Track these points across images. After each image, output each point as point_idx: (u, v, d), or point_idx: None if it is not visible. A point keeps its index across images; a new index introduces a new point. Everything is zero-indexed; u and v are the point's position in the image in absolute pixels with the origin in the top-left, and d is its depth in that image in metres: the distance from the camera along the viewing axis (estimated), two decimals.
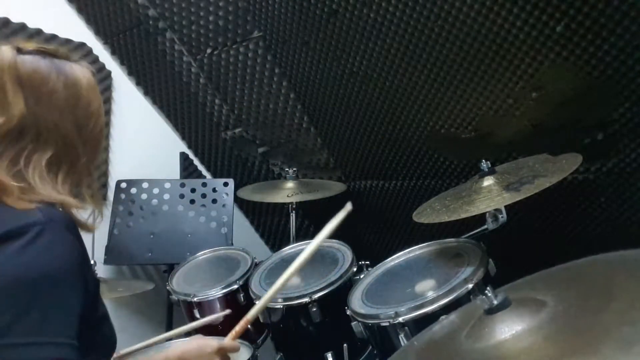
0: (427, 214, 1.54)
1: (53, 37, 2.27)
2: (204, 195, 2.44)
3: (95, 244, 2.10)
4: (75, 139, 0.96)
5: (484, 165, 1.53)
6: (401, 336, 1.32)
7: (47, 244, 0.84)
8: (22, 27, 2.17)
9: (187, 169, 2.81)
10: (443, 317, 1.10)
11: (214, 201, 2.44)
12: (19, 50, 0.94)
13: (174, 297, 1.94)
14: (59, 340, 0.80)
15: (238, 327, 1.11)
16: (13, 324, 0.77)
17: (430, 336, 1.00)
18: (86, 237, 0.94)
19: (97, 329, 0.96)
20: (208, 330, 1.86)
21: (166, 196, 2.41)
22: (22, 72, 0.91)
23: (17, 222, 0.84)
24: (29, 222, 0.84)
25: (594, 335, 0.69)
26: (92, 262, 1.37)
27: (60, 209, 0.92)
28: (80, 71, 0.99)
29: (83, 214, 0.97)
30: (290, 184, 2.37)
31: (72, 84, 0.96)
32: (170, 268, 2.28)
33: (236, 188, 2.46)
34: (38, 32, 2.21)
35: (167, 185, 2.43)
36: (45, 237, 0.83)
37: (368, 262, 1.72)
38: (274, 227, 3.01)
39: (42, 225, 0.84)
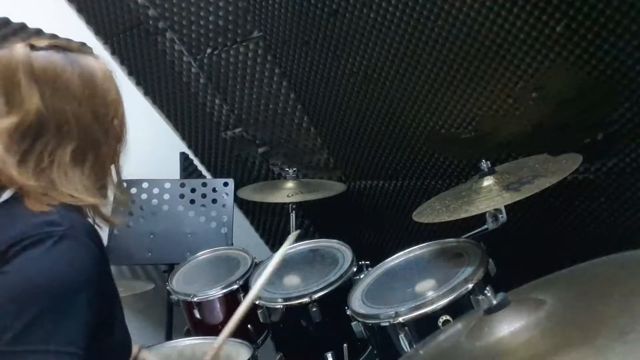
0: (427, 214, 1.54)
1: (53, 37, 2.27)
2: (204, 195, 2.44)
3: None
4: (96, 129, 0.96)
5: (484, 165, 1.53)
6: (401, 336, 1.31)
7: (67, 252, 0.83)
8: (22, 27, 2.17)
9: (187, 169, 2.80)
10: (444, 316, 1.10)
11: (214, 201, 2.43)
12: (32, 47, 0.94)
13: (174, 297, 1.94)
14: (68, 349, 0.79)
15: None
16: (25, 331, 0.77)
17: (434, 343, 1.00)
18: None
19: (111, 335, 0.95)
20: (209, 330, 1.86)
21: (166, 196, 2.41)
22: (36, 67, 0.92)
23: (37, 228, 0.83)
24: (49, 228, 0.83)
25: (590, 327, 0.70)
26: None
27: (79, 213, 0.92)
28: (94, 62, 1.00)
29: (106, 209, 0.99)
30: (290, 184, 2.37)
31: (87, 75, 0.96)
32: (170, 268, 2.27)
33: (236, 188, 2.46)
34: (38, 32, 2.21)
35: (167, 185, 2.43)
36: (65, 244, 0.83)
37: (368, 262, 1.72)
38: (274, 227, 3.01)
39: (63, 232, 0.83)
